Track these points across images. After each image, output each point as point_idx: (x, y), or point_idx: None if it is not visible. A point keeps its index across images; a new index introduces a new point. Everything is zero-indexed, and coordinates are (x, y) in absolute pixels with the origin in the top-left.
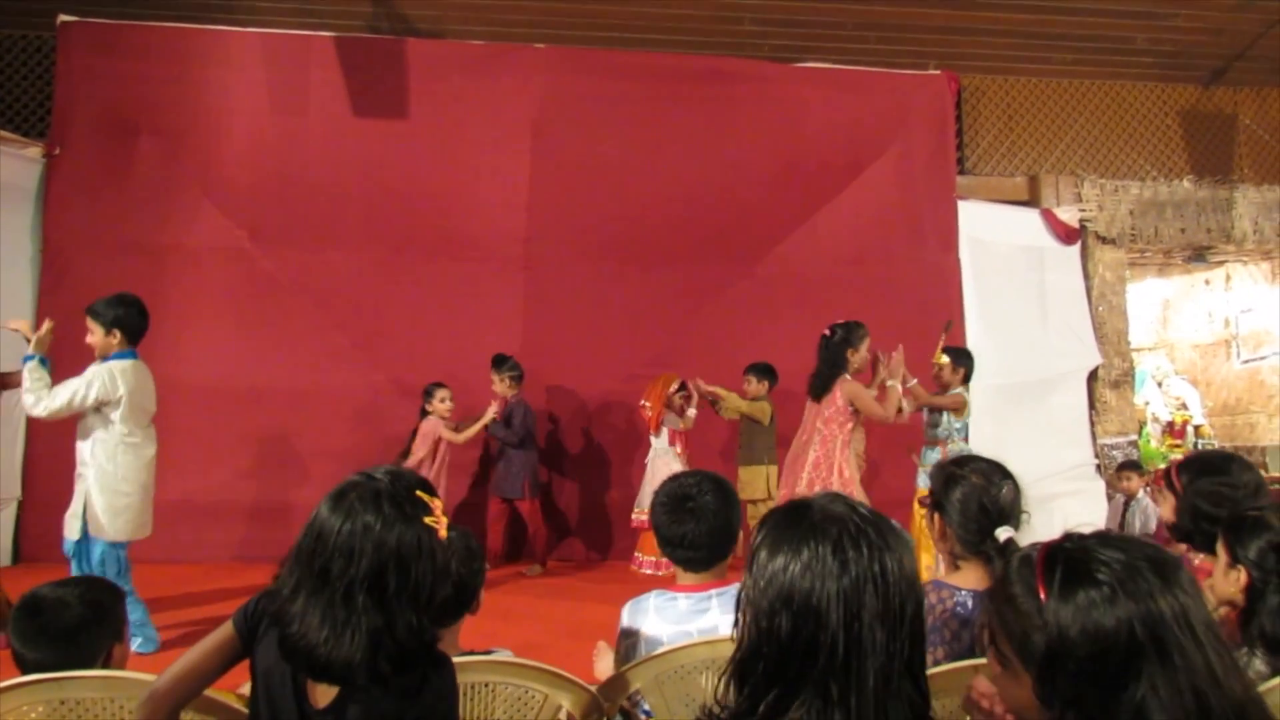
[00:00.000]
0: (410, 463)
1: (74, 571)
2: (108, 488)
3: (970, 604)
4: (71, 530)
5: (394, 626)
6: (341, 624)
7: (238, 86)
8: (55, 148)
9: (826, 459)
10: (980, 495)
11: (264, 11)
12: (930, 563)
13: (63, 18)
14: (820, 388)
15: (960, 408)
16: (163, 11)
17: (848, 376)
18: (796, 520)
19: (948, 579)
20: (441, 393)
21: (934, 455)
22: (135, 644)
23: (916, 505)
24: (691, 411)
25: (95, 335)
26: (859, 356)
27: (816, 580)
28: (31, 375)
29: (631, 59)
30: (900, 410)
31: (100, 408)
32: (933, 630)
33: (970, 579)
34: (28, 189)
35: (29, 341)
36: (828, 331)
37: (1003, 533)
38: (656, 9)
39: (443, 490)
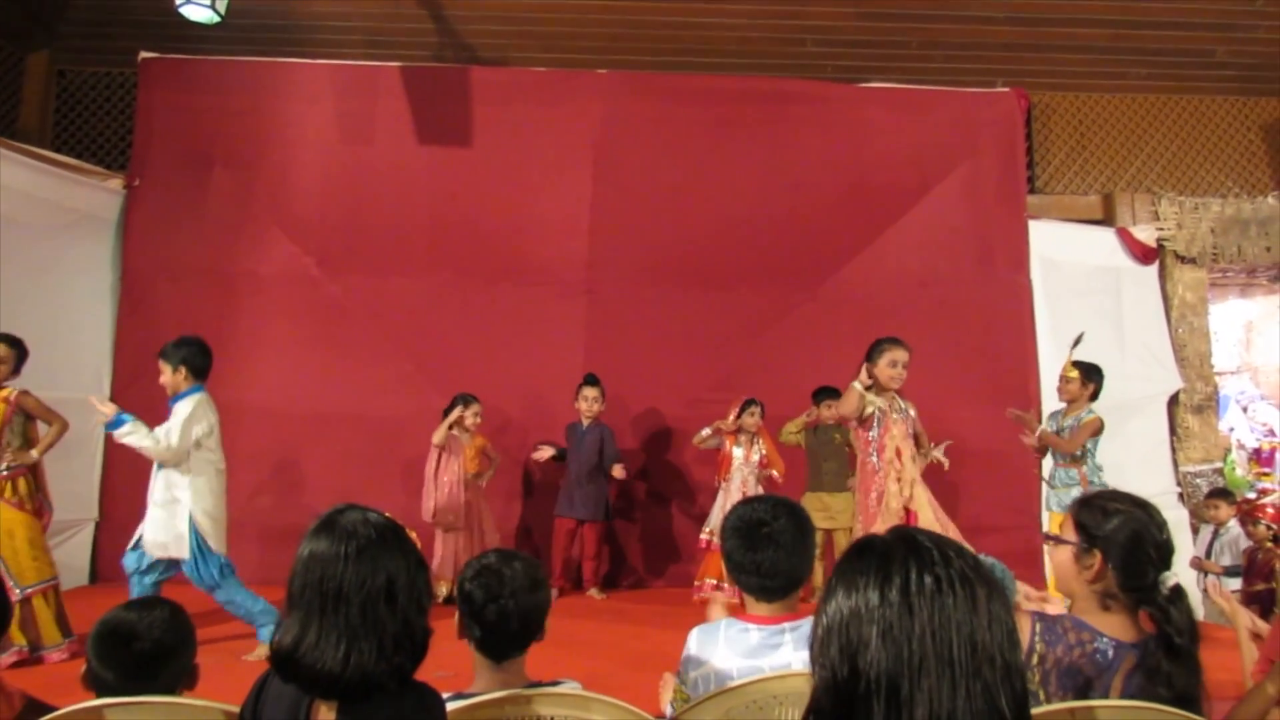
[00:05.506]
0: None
1: (206, 584)
2: (213, 508)
3: (1111, 654)
4: (180, 550)
5: (411, 632)
6: (355, 638)
7: (308, 117)
8: (135, 179)
9: (863, 483)
10: (1153, 536)
11: (333, 44)
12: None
13: (144, 54)
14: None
15: (1098, 431)
16: (237, 46)
17: (854, 384)
18: (858, 557)
19: (1091, 619)
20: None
21: (1067, 476)
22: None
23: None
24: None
25: (165, 375)
26: (878, 370)
27: (864, 623)
28: (132, 430)
29: (693, 82)
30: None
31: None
32: (1065, 674)
33: (1116, 625)
34: (109, 219)
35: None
36: None
37: (1170, 577)
38: (718, 32)
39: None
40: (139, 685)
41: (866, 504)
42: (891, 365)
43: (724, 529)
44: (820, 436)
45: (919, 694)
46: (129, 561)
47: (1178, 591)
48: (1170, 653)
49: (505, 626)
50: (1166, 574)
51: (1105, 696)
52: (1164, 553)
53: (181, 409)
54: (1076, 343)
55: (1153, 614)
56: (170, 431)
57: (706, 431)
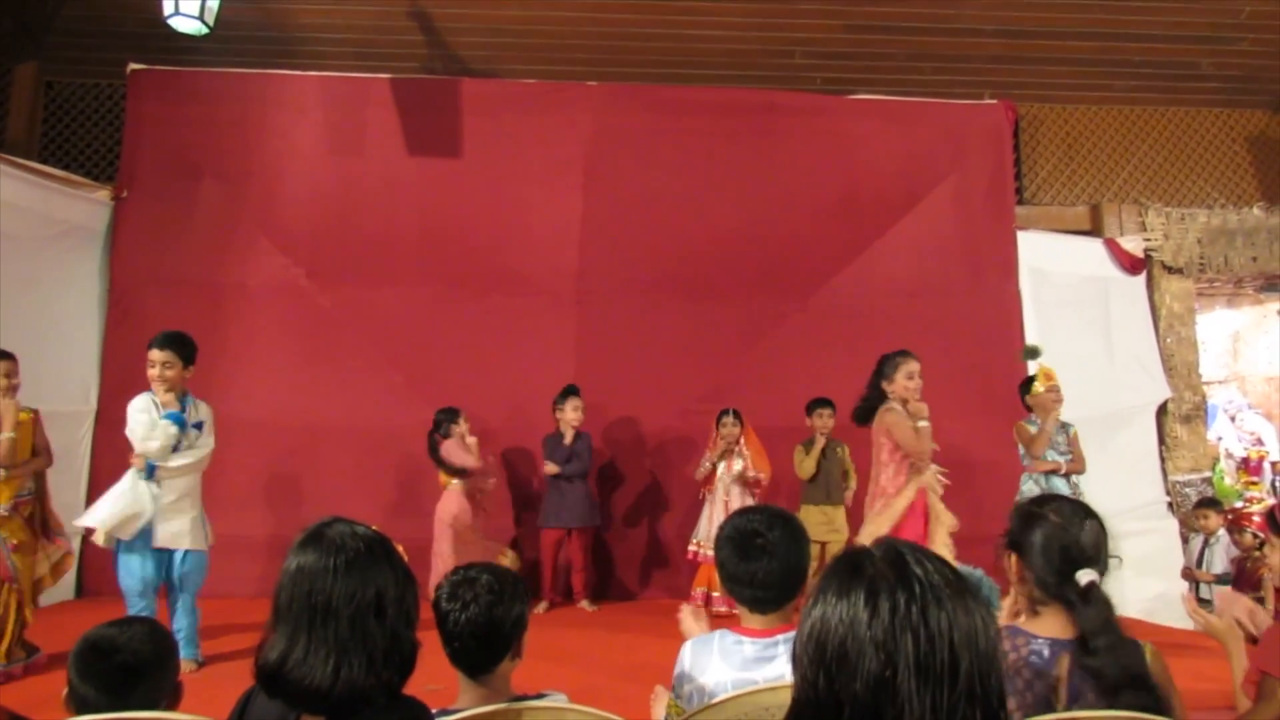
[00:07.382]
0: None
1: (198, 581)
2: (199, 505)
3: (1046, 653)
4: (200, 540)
5: (399, 646)
6: (344, 652)
7: (297, 129)
8: (123, 190)
9: (883, 493)
10: (1061, 537)
11: (323, 55)
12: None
13: (133, 66)
14: (861, 415)
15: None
16: (226, 58)
17: (892, 405)
18: (845, 566)
19: (1025, 625)
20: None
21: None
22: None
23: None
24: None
25: (174, 369)
26: (895, 386)
27: (842, 636)
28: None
29: (683, 94)
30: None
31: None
32: (1005, 679)
33: (1049, 626)
34: (97, 230)
35: None
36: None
37: (1084, 576)
38: (707, 44)
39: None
40: (119, 700)
41: (872, 513)
42: (909, 378)
43: (718, 539)
44: (828, 451)
45: (889, 711)
46: (127, 583)
47: (1091, 588)
48: (1088, 649)
49: (465, 640)
50: (1081, 572)
51: (1051, 694)
52: (1075, 553)
53: (208, 412)
54: (1030, 355)
55: (1069, 613)
56: (205, 439)
57: (705, 464)
